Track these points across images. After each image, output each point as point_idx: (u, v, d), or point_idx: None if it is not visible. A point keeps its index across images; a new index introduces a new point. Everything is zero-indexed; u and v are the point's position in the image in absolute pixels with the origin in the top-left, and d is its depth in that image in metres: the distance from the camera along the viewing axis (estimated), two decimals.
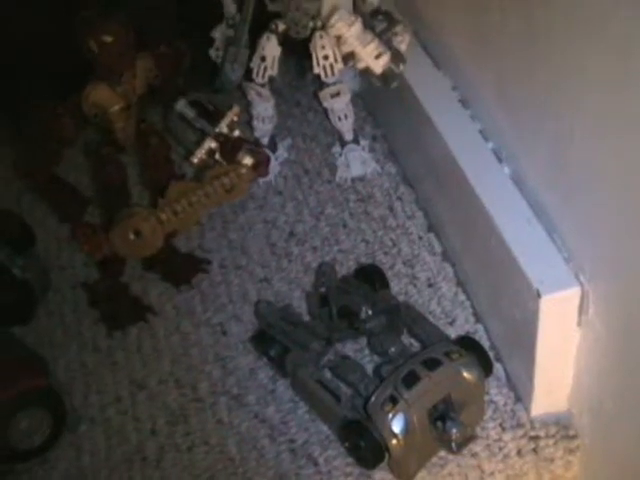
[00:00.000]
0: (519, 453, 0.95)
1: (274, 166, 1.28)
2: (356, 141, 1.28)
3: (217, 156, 1.06)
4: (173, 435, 1.02)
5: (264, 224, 1.25)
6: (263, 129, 1.28)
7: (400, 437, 0.88)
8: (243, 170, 1.00)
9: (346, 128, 1.27)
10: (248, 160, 1.03)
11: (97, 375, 1.10)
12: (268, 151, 1.25)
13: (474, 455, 0.95)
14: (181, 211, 1.02)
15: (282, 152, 1.32)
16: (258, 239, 1.23)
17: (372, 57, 1.12)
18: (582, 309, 0.89)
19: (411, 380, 0.90)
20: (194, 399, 1.05)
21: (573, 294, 0.88)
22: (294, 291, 1.15)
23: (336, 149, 1.30)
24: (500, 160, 1.02)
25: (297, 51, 1.22)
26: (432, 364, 0.92)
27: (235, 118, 1.07)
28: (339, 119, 1.26)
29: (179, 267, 1.19)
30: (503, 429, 0.97)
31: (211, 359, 1.09)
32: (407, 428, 0.89)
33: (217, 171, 1.01)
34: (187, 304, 1.16)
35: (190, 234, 1.23)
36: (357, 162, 1.28)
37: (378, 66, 1.12)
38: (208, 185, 1.00)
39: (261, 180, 1.26)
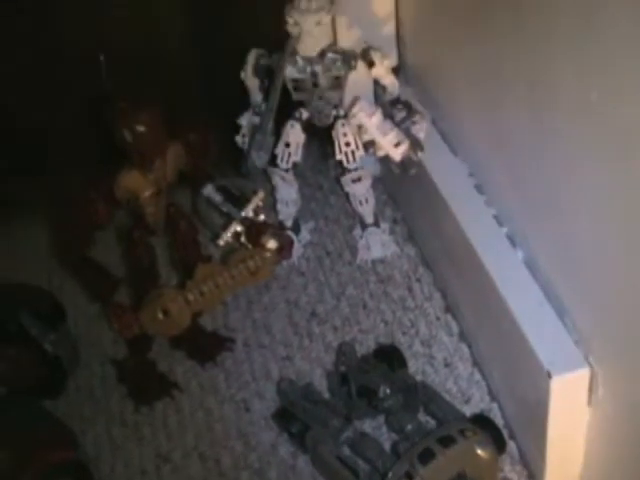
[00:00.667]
0: None
1: (297, 248, 1.31)
2: (377, 224, 1.32)
3: (243, 239, 1.09)
4: None
5: (287, 304, 1.27)
6: (287, 212, 1.32)
7: None
8: (268, 254, 1.04)
9: (367, 212, 1.31)
10: (272, 244, 1.06)
11: (124, 448, 1.11)
12: (291, 233, 1.30)
13: None
14: (207, 292, 1.05)
15: (305, 234, 1.36)
16: (281, 319, 1.25)
17: (391, 146, 1.16)
18: (592, 389, 0.90)
19: (427, 457, 0.92)
20: (217, 473, 1.07)
21: (583, 375, 0.90)
22: (315, 369, 1.17)
23: (357, 232, 1.33)
24: (514, 245, 1.04)
25: (320, 136, 1.27)
26: (447, 441, 0.93)
27: (260, 203, 1.10)
28: (360, 203, 1.30)
29: (204, 345, 1.22)
30: None
31: (234, 434, 1.11)
32: None
33: (243, 254, 1.04)
34: (211, 381, 1.18)
35: (215, 313, 1.26)
36: (377, 244, 1.31)
37: (397, 154, 1.16)
38: (234, 267, 1.04)
39: (284, 262, 1.27)
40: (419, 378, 1.11)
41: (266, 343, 1.22)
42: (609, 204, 0.81)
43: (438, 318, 1.21)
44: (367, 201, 1.30)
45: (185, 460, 1.09)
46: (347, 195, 1.32)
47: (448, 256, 1.19)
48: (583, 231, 0.87)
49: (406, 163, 1.17)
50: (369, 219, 1.31)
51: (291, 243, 1.10)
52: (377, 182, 1.37)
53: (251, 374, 1.18)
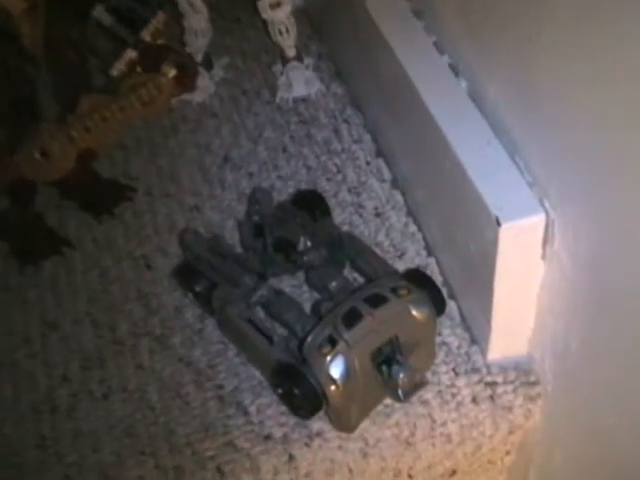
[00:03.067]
0: (474, 401, 0.90)
1: (209, 86, 1.23)
2: (299, 59, 1.23)
3: (139, 69, 1.00)
4: (87, 381, 0.96)
5: (197, 149, 1.19)
6: (196, 44, 1.20)
7: (339, 383, 0.81)
8: (162, 79, 0.93)
9: (288, 43, 1.21)
10: (172, 71, 0.95)
11: (5, 314, 1.03)
12: (202, 70, 1.20)
13: (424, 403, 0.89)
14: (94, 127, 0.96)
15: (218, 71, 1.26)
16: (189, 165, 1.17)
17: None
18: (547, 239, 0.83)
19: (352, 319, 0.83)
20: (112, 341, 1.00)
21: (537, 222, 0.82)
22: (226, 221, 1.09)
23: (277, 68, 1.24)
24: (457, 74, 0.95)
25: None
26: (377, 301, 0.85)
27: (160, 26, 1.01)
28: (280, 33, 1.19)
29: (101, 195, 1.13)
30: (456, 374, 0.92)
31: (133, 296, 1.03)
32: (347, 373, 0.82)
33: (133, 81, 0.95)
34: (108, 236, 1.10)
35: (114, 159, 1.17)
36: (300, 81, 1.22)
37: None
38: (123, 97, 0.95)
39: (195, 101, 1.21)
40: (345, 229, 1.04)
41: (172, 192, 1.14)
42: (574, 17, 0.71)
43: (368, 163, 1.13)
44: (287, 31, 1.19)
45: (75, 327, 1.01)
46: (265, 25, 1.22)
47: (381, 92, 1.10)
48: (541, 52, 0.78)
49: None
50: (290, 52, 1.21)
51: (195, 71, 1.00)
52: (301, 14, 1.28)
53: (154, 227, 1.10)
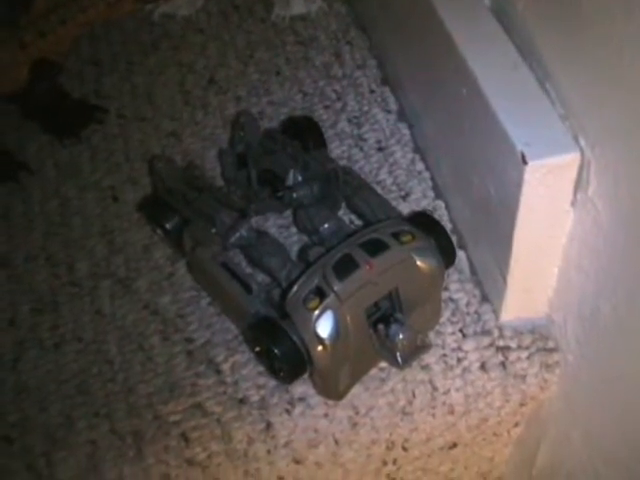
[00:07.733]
0: (483, 367, 0.84)
1: None
2: None
3: None
4: (37, 328, 0.90)
5: (178, 68, 1.13)
6: None
7: (327, 343, 0.74)
8: None
9: None
10: None
11: None
12: None
13: (425, 368, 0.84)
14: (50, 32, 0.90)
15: None
16: (169, 85, 1.12)
17: None
18: (580, 183, 0.76)
19: (346, 268, 0.76)
20: (69, 282, 0.94)
21: (569, 162, 0.74)
22: (208, 150, 1.03)
23: None
24: None
25: None
26: (375, 247, 0.77)
27: None
28: None
29: (67, 115, 1.07)
30: (464, 336, 0.87)
31: (96, 231, 0.97)
32: (337, 331, 0.75)
33: None
34: (72, 162, 1.04)
35: (84, 75, 1.12)
36: None
37: None
38: None
39: (179, 15, 1.17)
40: (343, 164, 0.98)
41: (148, 115, 1.08)
42: None
43: (372, 91, 1.07)
44: None
45: (28, 264, 0.95)
46: None
47: (390, 11, 1.05)
48: None
49: None
50: None
51: None
52: None
53: (125, 154, 1.04)
